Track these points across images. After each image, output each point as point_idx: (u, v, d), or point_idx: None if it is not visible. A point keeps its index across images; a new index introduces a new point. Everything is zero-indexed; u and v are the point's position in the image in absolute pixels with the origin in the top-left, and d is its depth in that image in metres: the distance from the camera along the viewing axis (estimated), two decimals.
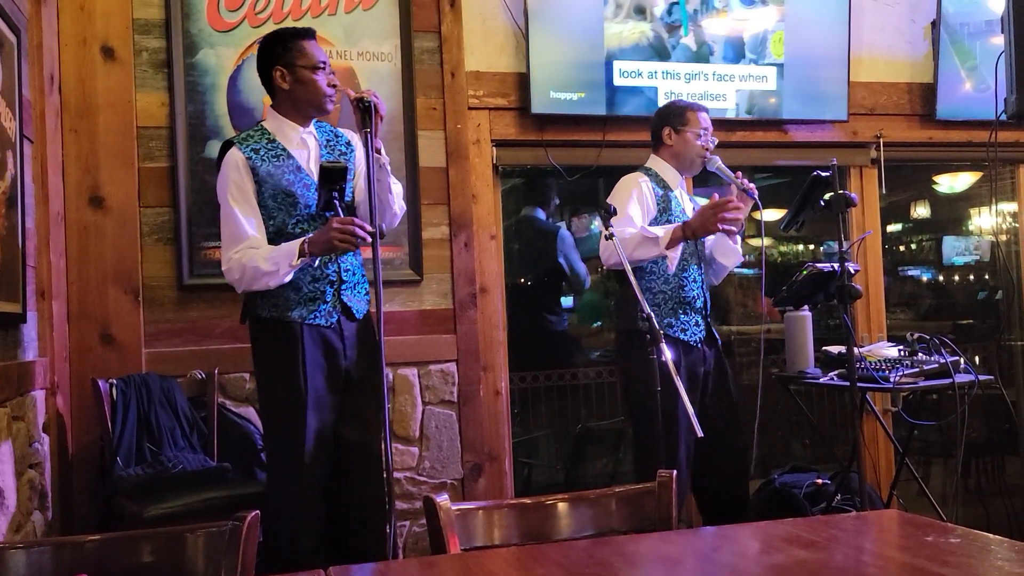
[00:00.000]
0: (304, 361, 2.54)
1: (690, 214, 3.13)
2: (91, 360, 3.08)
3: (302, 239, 2.49)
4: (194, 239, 3.22)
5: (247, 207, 2.54)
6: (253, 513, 1.35)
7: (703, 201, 3.19)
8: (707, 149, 3.11)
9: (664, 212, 3.08)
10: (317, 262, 2.55)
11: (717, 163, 3.09)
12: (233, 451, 3.04)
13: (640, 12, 3.64)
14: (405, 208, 2.81)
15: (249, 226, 2.54)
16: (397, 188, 2.68)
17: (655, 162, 3.19)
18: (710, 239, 3.19)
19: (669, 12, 3.65)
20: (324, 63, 2.61)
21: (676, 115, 3.15)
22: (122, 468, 2.77)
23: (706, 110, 3.19)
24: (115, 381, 2.91)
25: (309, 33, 2.65)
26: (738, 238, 3.14)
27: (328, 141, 2.72)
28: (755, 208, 3.07)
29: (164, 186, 3.22)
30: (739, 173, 3.06)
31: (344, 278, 2.63)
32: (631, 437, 3.24)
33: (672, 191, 3.14)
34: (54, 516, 2.84)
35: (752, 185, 3.04)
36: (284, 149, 2.61)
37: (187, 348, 3.20)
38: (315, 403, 2.55)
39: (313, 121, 2.70)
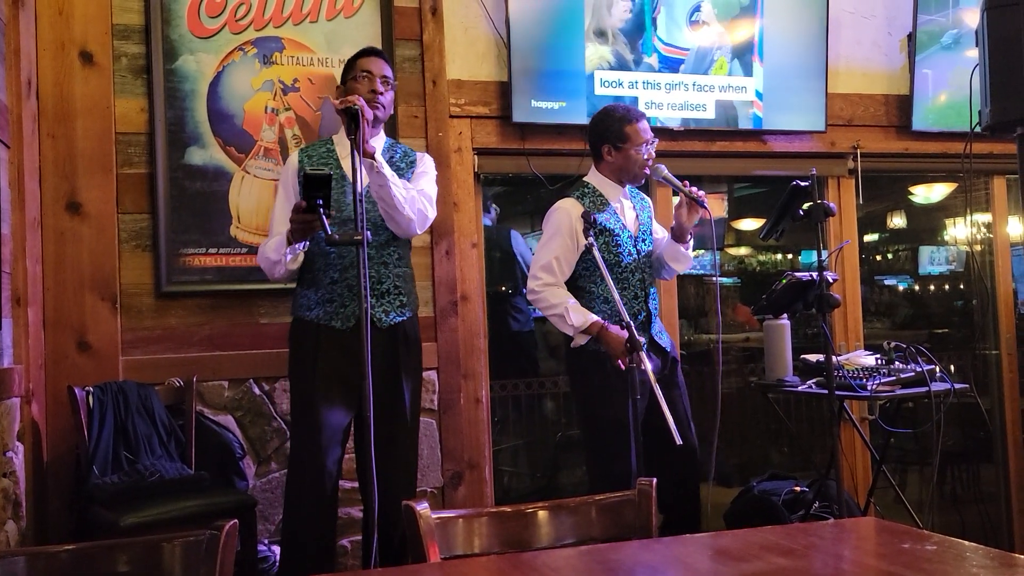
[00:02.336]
0: (316, 361, 2.67)
1: (629, 224, 3.08)
2: (67, 367, 3.05)
3: (287, 230, 2.62)
4: (172, 246, 3.20)
5: (284, 206, 2.74)
6: (231, 522, 1.34)
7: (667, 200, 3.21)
8: (649, 158, 3.04)
9: (601, 233, 2.98)
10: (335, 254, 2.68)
11: (663, 172, 3.03)
12: (211, 460, 3.02)
13: (601, 35, 3.65)
14: (427, 213, 2.74)
15: (280, 223, 2.71)
16: (405, 193, 2.66)
17: (594, 176, 3.11)
18: (662, 236, 3.19)
19: (625, 32, 3.66)
20: (368, 72, 2.75)
21: (614, 132, 3.03)
22: (98, 476, 2.75)
23: (645, 117, 3.08)
24: (91, 389, 2.88)
25: (368, 51, 2.84)
26: (691, 243, 3.13)
27: (392, 158, 2.81)
28: (702, 211, 3.03)
29: (143, 192, 3.20)
30: (686, 182, 3.02)
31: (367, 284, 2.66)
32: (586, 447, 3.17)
33: (610, 205, 3.07)
34: (28, 525, 2.81)
35: (701, 193, 3.01)
36: (336, 158, 2.78)
37: (165, 355, 3.17)
38: (325, 403, 2.65)
39: (387, 140, 2.87)
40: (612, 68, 3.66)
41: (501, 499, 3.86)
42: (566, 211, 3.02)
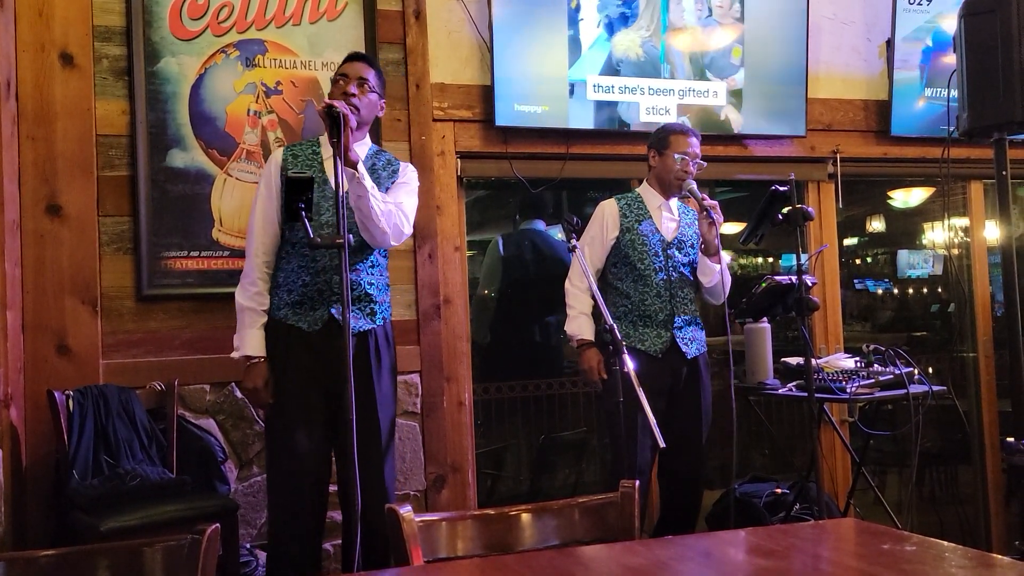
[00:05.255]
0: (287, 360, 2.67)
1: (664, 230, 3.24)
2: (47, 371, 3.02)
3: (257, 358, 2.70)
4: (154, 249, 3.18)
5: (268, 206, 2.74)
6: (212, 527, 1.34)
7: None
8: (686, 172, 3.17)
9: (628, 230, 3.21)
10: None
11: (690, 186, 3.17)
12: (193, 464, 3.00)
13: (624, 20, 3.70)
14: (403, 228, 2.73)
15: (263, 233, 2.74)
16: (383, 206, 2.65)
17: (643, 187, 3.33)
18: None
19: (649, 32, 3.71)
20: (345, 75, 2.75)
21: (659, 138, 3.26)
22: (78, 481, 2.72)
23: (694, 135, 3.25)
24: (71, 392, 2.85)
25: (347, 56, 2.85)
26: (720, 259, 3.17)
27: (375, 165, 2.81)
28: (715, 223, 3.12)
29: (124, 195, 3.17)
30: (705, 195, 3.15)
31: (336, 291, 2.66)
32: (595, 446, 3.33)
33: (647, 209, 3.25)
34: (6, 530, 2.78)
35: (711, 203, 3.11)
36: (320, 160, 2.77)
37: (146, 359, 3.15)
38: (299, 404, 2.66)
39: (372, 146, 2.87)
40: (637, 62, 3.71)
41: (484, 502, 3.85)
42: (602, 207, 3.30)
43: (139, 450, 2.90)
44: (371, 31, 3.45)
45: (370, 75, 2.76)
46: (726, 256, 3.30)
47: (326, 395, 2.69)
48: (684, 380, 3.21)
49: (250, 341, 2.70)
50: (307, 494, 2.68)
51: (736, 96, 3.87)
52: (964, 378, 4.54)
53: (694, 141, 3.23)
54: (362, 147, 2.80)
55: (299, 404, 2.68)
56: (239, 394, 3.25)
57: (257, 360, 2.69)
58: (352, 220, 2.68)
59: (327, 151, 2.77)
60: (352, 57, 2.83)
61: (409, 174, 2.86)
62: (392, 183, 2.81)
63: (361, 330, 2.72)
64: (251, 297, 2.73)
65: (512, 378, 4.09)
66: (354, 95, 2.70)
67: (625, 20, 3.71)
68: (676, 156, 3.19)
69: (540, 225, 4.46)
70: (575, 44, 3.63)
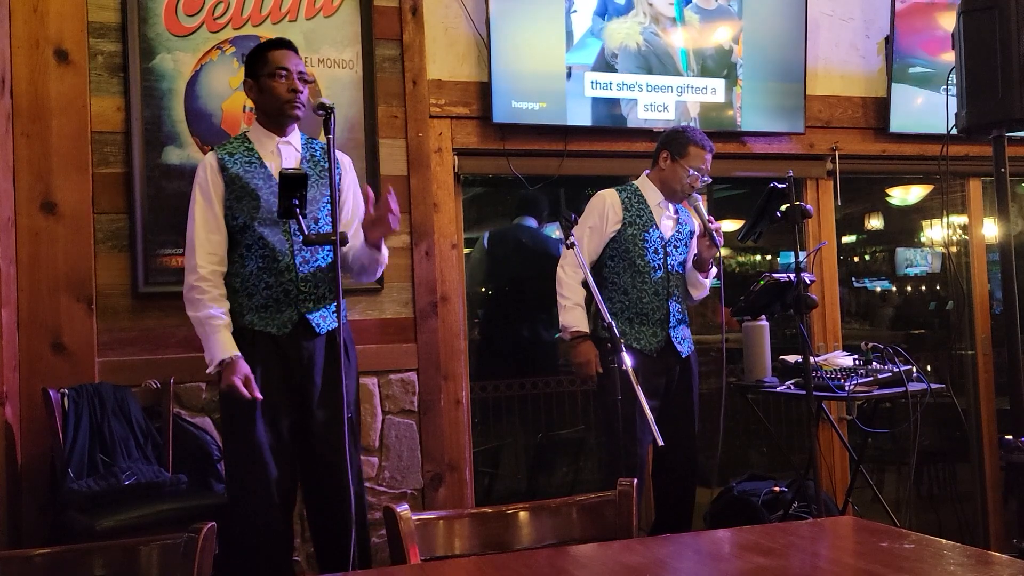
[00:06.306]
0: (252, 366, 2.57)
1: (664, 228, 3.23)
2: (42, 369, 3.01)
3: (229, 358, 2.51)
4: (150, 246, 3.17)
5: (209, 213, 2.62)
6: (209, 525, 1.33)
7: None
8: (693, 187, 3.16)
9: (631, 224, 3.19)
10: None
11: (696, 202, 3.16)
12: (189, 462, 2.99)
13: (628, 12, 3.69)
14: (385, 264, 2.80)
15: (207, 242, 2.60)
16: (385, 260, 2.72)
17: (643, 181, 3.29)
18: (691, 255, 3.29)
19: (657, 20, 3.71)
20: (285, 69, 2.64)
21: (678, 144, 3.20)
22: (73, 480, 2.71)
23: (711, 150, 3.22)
24: (67, 391, 2.84)
25: (279, 43, 2.71)
26: (711, 274, 3.21)
27: (313, 156, 2.74)
28: (716, 248, 3.12)
29: (119, 192, 3.16)
30: (711, 217, 3.13)
31: (303, 289, 2.62)
32: (593, 444, 3.33)
33: (648, 212, 3.23)
34: (1, 529, 2.77)
35: (718, 228, 3.11)
36: (258, 157, 2.67)
37: (142, 357, 3.14)
38: (265, 409, 2.58)
39: (302, 136, 2.77)
40: (638, 53, 3.69)
41: (482, 501, 3.85)
42: (602, 197, 3.23)
43: (135, 448, 2.89)
44: (367, 27, 3.44)
45: (303, 65, 2.71)
46: (723, 255, 3.29)
47: (292, 398, 2.63)
48: (677, 379, 3.21)
49: (220, 346, 2.53)
50: (277, 503, 2.61)
51: (735, 93, 3.86)
52: (962, 376, 4.53)
53: (709, 158, 3.21)
54: (294, 138, 2.73)
55: (270, 412, 2.59)
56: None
57: (231, 358, 2.53)
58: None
59: (263, 147, 2.68)
60: (283, 45, 2.69)
61: (352, 171, 2.82)
62: (338, 176, 2.67)
63: (331, 329, 2.65)
64: (205, 306, 2.57)
65: (509, 376, 4.08)
66: (301, 92, 2.66)
67: (617, 9, 3.70)
68: (690, 170, 3.15)
69: (531, 222, 4.45)
70: (570, 36, 3.62)
